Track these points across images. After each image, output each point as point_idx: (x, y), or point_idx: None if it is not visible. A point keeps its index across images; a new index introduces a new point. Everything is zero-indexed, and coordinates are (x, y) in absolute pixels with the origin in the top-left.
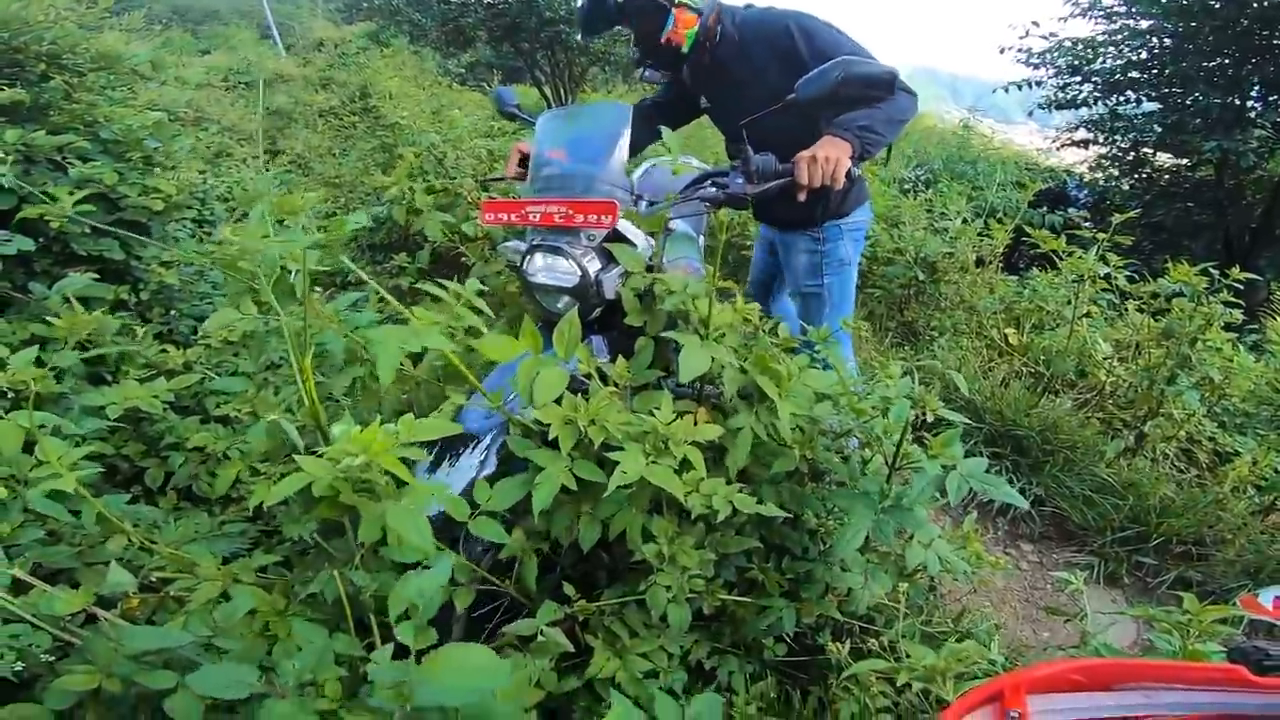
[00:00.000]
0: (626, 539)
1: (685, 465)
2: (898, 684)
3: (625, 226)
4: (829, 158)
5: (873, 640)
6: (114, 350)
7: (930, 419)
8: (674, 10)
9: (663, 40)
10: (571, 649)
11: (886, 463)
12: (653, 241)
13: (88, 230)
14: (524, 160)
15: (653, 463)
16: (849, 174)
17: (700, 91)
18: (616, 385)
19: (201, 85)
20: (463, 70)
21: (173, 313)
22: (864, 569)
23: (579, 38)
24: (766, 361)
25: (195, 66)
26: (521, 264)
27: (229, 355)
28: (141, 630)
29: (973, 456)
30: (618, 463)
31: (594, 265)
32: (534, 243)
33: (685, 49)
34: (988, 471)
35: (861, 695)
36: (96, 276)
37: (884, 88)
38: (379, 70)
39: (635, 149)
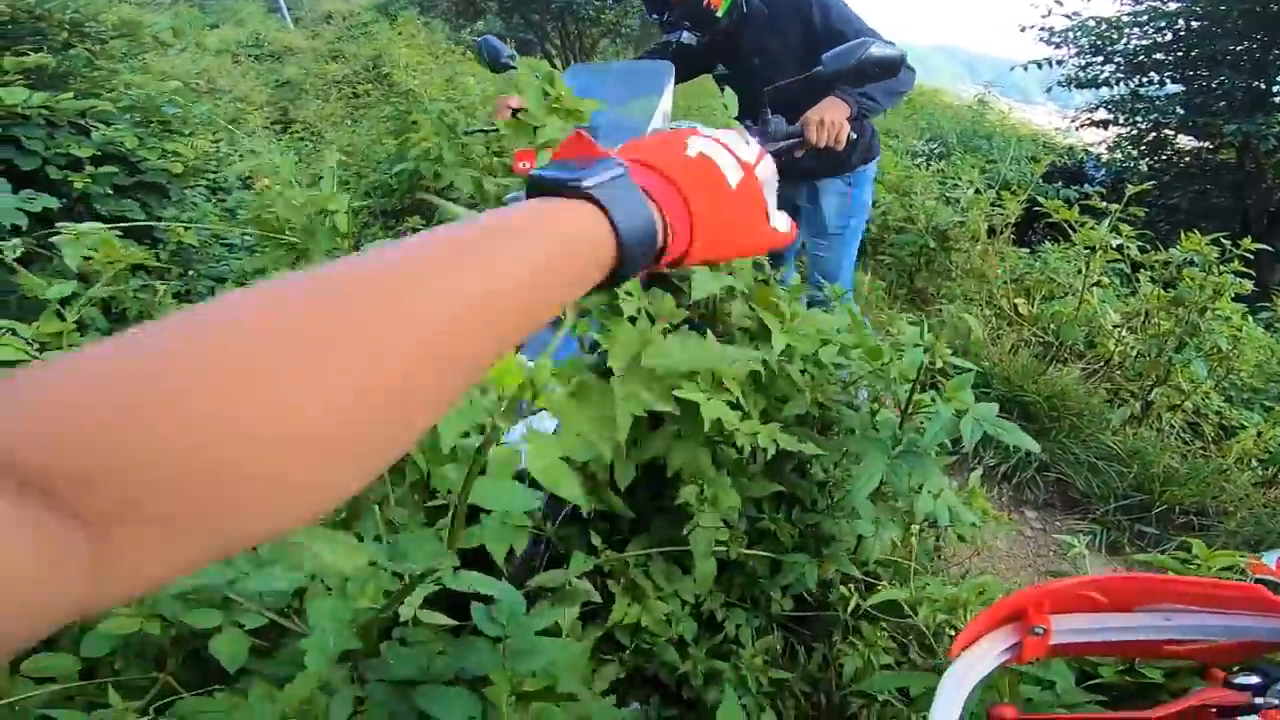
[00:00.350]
0: (661, 481)
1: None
2: (918, 618)
3: None
4: (834, 121)
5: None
6: (136, 305)
7: (939, 373)
8: None
9: (705, 4)
10: (599, 600)
11: (899, 408)
12: None
13: (108, 191)
14: (515, 113)
15: (709, 399)
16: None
17: (718, 58)
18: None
19: (220, 52)
20: (473, 41)
21: (190, 273)
22: (874, 518)
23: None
24: (768, 296)
25: (212, 37)
26: None
27: None
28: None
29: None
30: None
31: None
32: None
33: (720, 13)
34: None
35: (866, 650)
36: (119, 236)
37: (897, 70)
38: (390, 40)
39: None
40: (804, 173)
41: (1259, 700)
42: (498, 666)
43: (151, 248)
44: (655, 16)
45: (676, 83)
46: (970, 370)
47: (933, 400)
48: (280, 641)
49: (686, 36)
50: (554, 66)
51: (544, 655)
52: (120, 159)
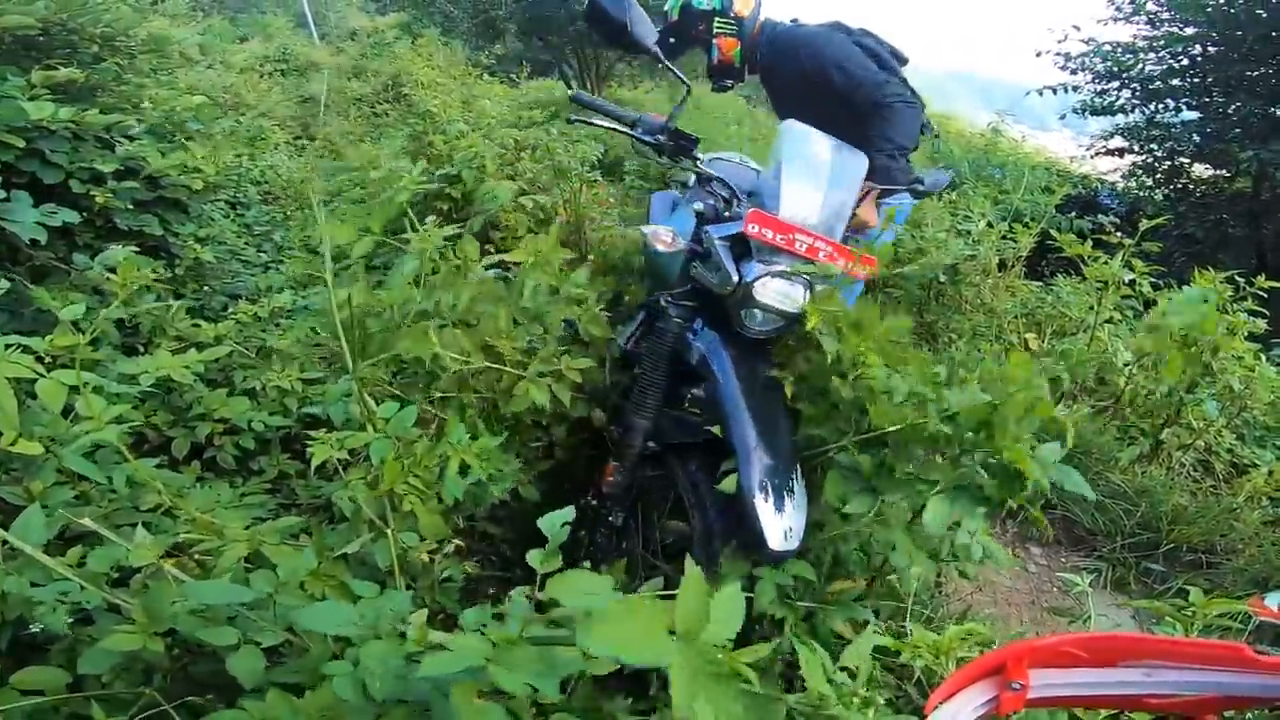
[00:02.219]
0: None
1: None
2: (901, 661)
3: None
4: (866, 224)
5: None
6: (149, 321)
7: None
8: (715, 41)
9: (714, 62)
10: None
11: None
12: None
13: (129, 206)
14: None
15: None
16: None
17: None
18: None
19: (245, 70)
20: (492, 62)
21: (206, 288)
22: (910, 550)
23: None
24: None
25: (238, 52)
26: (748, 280)
27: (258, 331)
28: (207, 585)
29: None
30: None
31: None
32: (778, 268)
33: (738, 64)
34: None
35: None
36: (136, 250)
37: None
38: (411, 60)
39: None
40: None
41: None
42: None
43: (168, 263)
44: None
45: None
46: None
47: None
48: (285, 655)
49: (719, 83)
50: (569, 87)
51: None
52: (141, 173)
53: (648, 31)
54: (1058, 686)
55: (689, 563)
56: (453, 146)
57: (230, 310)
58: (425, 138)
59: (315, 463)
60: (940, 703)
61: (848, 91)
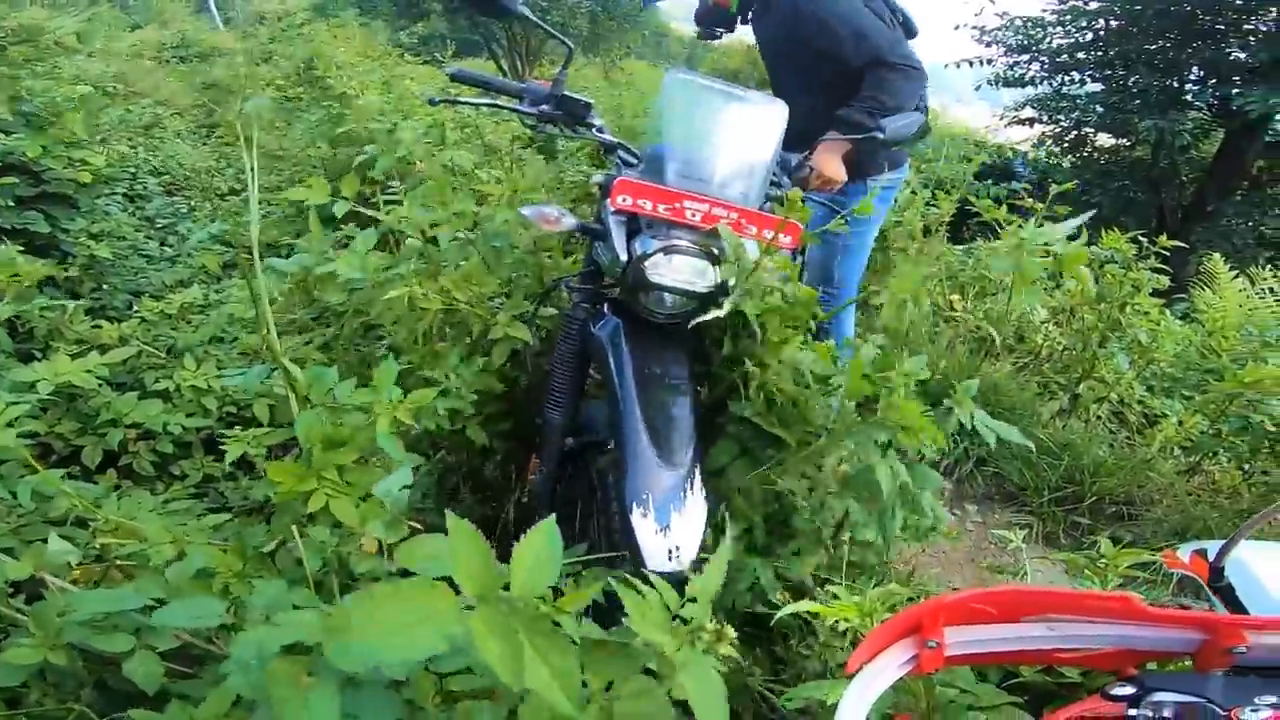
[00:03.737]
0: None
1: None
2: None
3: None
4: (828, 177)
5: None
6: (44, 324)
7: None
8: None
9: (709, 5)
10: None
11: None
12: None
13: (9, 203)
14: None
15: None
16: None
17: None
18: None
19: (130, 58)
20: (415, 43)
21: (105, 287)
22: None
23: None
24: None
25: (125, 40)
26: (639, 257)
27: (168, 329)
28: (92, 594)
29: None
30: None
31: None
32: (674, 241)
33: (733, 9)
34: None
35: (822, 651)
36: (21, 250)
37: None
38: (325, 42)
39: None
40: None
41: (1132, 712)
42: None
43: (61, 262)
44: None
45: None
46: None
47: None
48: (202, 667)
49: (708, 32)
50: (500, 69)
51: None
52: (22, 169)
53: None
54: (971, 643)
55: (450, 517)
56: (370, 128)
57: (134, 309)
58: (340, 120)
59: (229, 460)
60: (863, 663)
61: (853, 45)
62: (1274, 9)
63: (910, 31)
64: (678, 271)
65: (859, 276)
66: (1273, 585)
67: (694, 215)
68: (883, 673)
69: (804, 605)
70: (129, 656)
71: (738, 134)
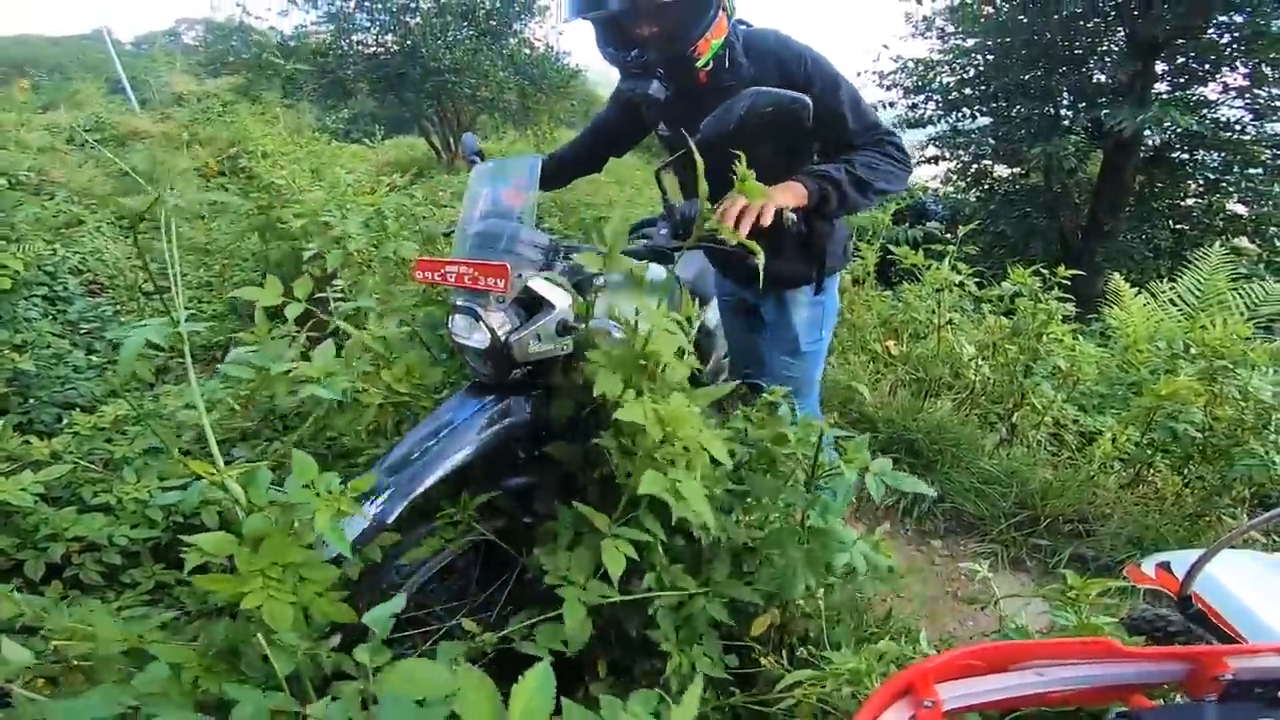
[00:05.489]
0: None
1: None
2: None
3: (541, 285)
4: (748, 206)
5: (806, 650)
6: None
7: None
8: (719, 12)
9: (690, 48)
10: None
11: (805, 476)
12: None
13: None
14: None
15: None
16: (788, 221)
17: (666, 116)
18: None
19: (44, 149)
20: (343, 124)
21: (31, 400)
22: (796, 567)
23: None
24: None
25: (35, 126)
26: (448, 323)
27: (101, 442)
28: (65, 703)
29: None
30: None
31: (507, 327)
32: (454, 303)
33: (702, 62)
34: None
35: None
36: None
37: (796, 115)
38: (249, 127)
39: (555, 185)
40: (771, 280)
41: None
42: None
43: None
44: (620, 53)
45: (618, 154)
46: (864, 437)
47: (840, 458)
48: None
49: (655, 88)
50: (431, 145)
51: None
52: None
53: None
54: (967, 696)
55: (467, 671)
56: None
57: (65, 422)
58: (270, 212)
59: (188, 568)
60: None
61: (851, 122)
62: (1120, 29)
63: None
64: (458, 330)
65: (818, 390)
66: (1251, 598)
67: (451, 278)
68: None
69: (803, 675)
70: None
71: (494, 190)
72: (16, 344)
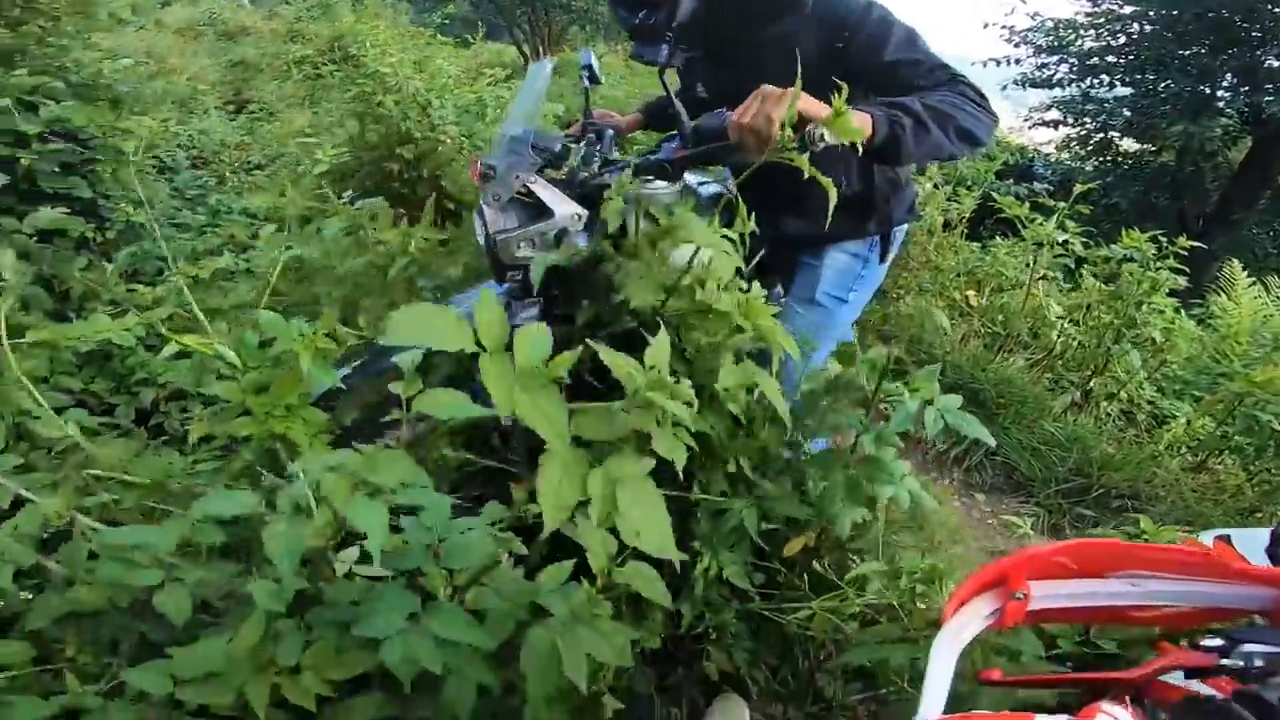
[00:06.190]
0: None
1: None
2: (899, 585)
3: (543, 190)
4: (767, 115)
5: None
6: (80, 285)
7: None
8: None
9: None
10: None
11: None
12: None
13: (56, 169)
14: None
15: None
16: (813, 137)
17: (701, 79)
18: None
19: (179, 30)
20: (444, 22)
21: (138, 252)
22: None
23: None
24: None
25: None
26: None
27: (199, 294)
28: (121, 530)
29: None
30: None
31: (498, 225)
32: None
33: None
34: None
35: (839, 622)
36: (66, 212)
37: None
38: (355, 22)
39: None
40: (814, 238)
41: (1225, 661)
42: (431, 565)
43: (99, 227)
44: (629, 16)
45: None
46: (935, 367)
47: (899, 389)
48: (229, 608)
49: (664, 54)
50: (521, 52)
51: (474, 552)
52: (69, 136)
53: None
54: (1053, 598)
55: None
56: (405, 108)
57: (165, 274)
58: (374, 98)
59: (194, 438)
60: (954, 612)
61: (916, 57)
62: None
63: None
64: (476, 226)
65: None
66: None
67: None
68: (970, 622)
69: (871, 566)
70: (159, 590)
71: (522, 98)
72: (134, 200)
